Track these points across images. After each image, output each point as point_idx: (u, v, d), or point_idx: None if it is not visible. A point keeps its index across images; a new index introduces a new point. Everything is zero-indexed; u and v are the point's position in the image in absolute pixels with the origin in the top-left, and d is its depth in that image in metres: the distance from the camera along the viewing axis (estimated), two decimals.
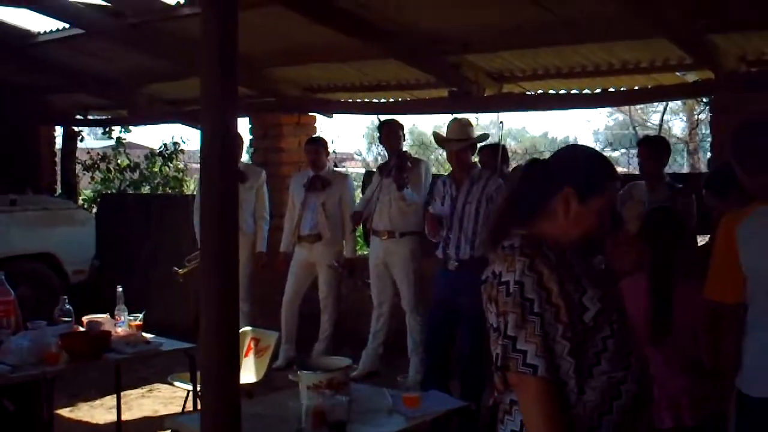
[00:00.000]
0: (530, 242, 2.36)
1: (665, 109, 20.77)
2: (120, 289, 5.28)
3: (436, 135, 6.10)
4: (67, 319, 5.14)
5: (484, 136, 6.22)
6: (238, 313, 3.30)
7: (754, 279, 3.06)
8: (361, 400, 3.82)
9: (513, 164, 7.55)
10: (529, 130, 38.41)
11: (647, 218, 4.04)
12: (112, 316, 5.20)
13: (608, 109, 25.78)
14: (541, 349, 2.23)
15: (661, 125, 21.02)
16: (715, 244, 3.25)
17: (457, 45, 6.56)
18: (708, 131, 21.33)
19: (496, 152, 6.19)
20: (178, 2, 6.76)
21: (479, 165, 6.22)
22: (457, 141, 5.78)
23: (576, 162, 2.50)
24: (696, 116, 20.14)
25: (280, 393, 4.38)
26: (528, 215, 2.45)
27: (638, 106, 21.44)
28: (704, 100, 18.81)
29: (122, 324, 5.11)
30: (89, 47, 8.17)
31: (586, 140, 32.74)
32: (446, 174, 6.18)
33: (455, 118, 6.07)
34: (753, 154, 3.14)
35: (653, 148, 5.79)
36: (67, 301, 5.25)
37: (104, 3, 7.19)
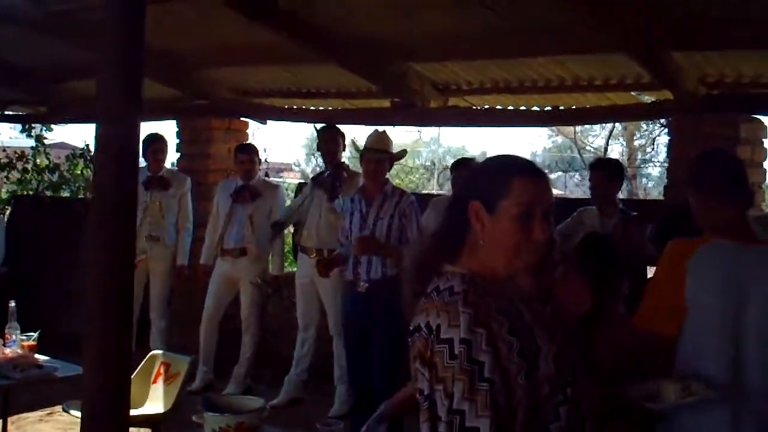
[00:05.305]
0: (474, 286, 1.93)
1: (611, 132, 20.70)
2: (13, 304, 4.71)
3: (354, 144, 5.76)
4: None
5: (403, 153, 6.04)
6: (130, 335, 2.79)
7: (696, 314, 2.85)
8: None
9: None
10: (469, 149, 38.24)
11: (579, 245, 3.62)
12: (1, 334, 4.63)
13: (549, 131, 25.63)
14: (495, 424, 1.80)
15: (606, 149, 20.96)
16: (657, 273, 3.05)
17: (403, 53, 6.21)
18: (644, 158, 21.53)
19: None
20: None
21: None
22: (376, 151, 5.49)
23: (477, 173, 2.14)
24: (653, 140, 20.12)
25: None
26: (455, 251, 2.03)
27: (579, 129, 21.40)
28: (644, 125, 18.89)
29: (12, 344, 4.54)
30: (6, 35, 7.57)
31: None
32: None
33: (377, 130, 5.75)
34: (724, 183, 2.94)
35: (607, 171, 5.50)
36: None
37: None
